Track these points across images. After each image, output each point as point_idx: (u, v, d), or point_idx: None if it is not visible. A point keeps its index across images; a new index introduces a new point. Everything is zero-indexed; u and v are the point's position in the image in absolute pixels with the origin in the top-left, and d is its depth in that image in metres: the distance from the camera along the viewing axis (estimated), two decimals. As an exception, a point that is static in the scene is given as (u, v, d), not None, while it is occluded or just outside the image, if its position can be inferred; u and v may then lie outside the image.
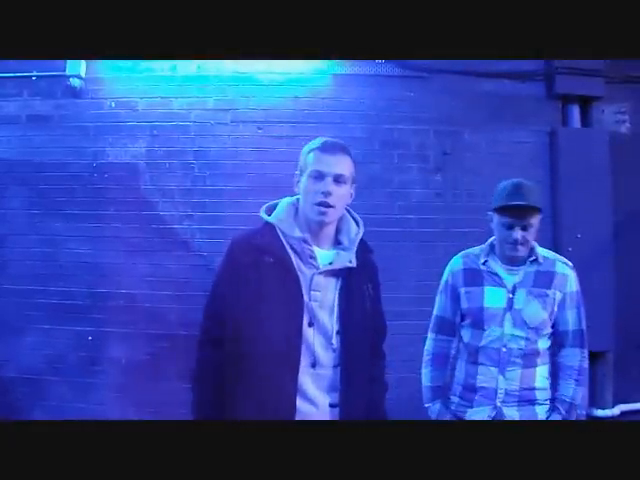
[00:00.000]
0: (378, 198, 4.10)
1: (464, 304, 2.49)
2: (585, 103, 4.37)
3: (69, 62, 4.05)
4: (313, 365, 1.89)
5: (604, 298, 4.03)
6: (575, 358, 2.43)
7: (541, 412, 2.39)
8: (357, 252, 2.00)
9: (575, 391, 2.41)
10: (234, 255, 1.99)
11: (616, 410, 4.05)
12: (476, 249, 2.56)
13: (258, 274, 1.91)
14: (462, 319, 2.53)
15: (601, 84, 4.30)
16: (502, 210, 2.38)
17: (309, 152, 1.99)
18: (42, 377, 3.93)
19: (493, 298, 2.42)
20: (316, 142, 2.02)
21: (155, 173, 4.10)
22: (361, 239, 2.04)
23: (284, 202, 2.06)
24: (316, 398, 1.90)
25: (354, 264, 1.97)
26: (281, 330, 1.87)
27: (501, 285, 2.42)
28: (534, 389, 2.38)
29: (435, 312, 2.62)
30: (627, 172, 4.20)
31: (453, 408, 2.50)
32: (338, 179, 1.94)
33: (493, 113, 4.25)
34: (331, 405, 1.92)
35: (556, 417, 2.38)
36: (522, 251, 2.39)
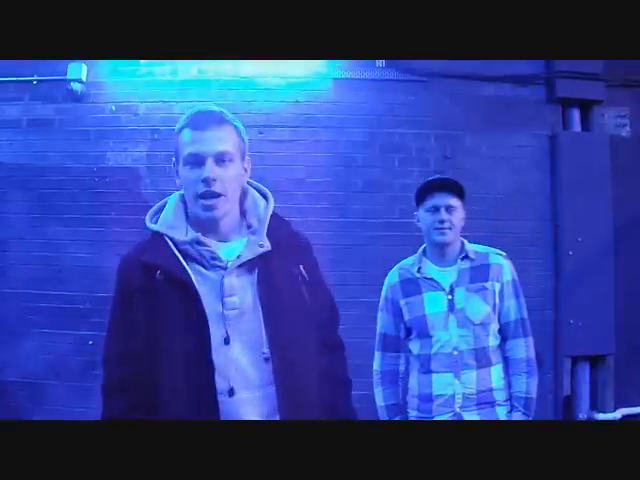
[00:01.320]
0: (379, 202, 4.10)
1: (406, 316, 2.47)
2: (585, 107, 4.37)
3: (70, 66, 4.06)
4: (241, 390, 1.53)
5: (605, 301, 4.04)
6: (520, 349, 2.40)
7: (501, 413, 2.36)
8: (269, 231, 1.63)
9: (528, 384, 2.37)
10: (122, 279, 1.64)
11: (617, 414, 4.04)
12: (410, 259, 2.56)
13: (151, 296, 1.54)
14: (408, 332, 2.49)
15: (601, 88, 4.30)
16: (425, 195, 2.43)
17: (179, 131, 1.63)
18: (43, 381, 3.92)
19: (433, 304, 2.40)
20: (186, 116, 1.64)
21: (156, 177, 4.10)
22: (273, 214, 1.68)
23: (171, 201, 1.70)
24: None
25: (268, 247, 1.59)
26: (186, 358, 1.51)
27: (438, 288, 2.41)
28: (492, 390, 2.35)
29: (378, 330, 2.58)
30: (627, 176, 4.20)
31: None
32: (221, 158, 1.56)
33: (493, 117, 4.25)
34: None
35: (517, 416, 2.34)
36: (450, 235, 2.39)
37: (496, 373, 2.37)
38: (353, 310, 3.58)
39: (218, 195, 1.55)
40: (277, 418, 1.54)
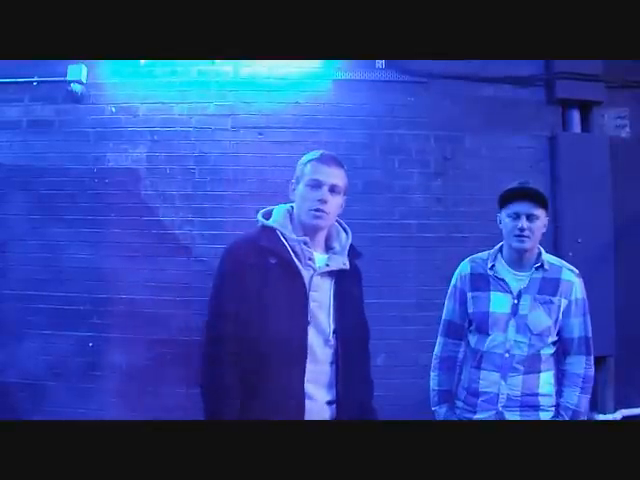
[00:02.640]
0: (379, 203, 4.10)
1: (470, 308, 2.51)
2: (585, 108, 4.37)
3: (70, 67, 4.06)
4: (310, 361, 1.96)
5: (605, 303, 4.03)
6: (580, 366, 2.43)
7: (544, 418, 2.39)
8: (348, 256, 2.13)
9: (580, 399, 2.40)
10: (237, 257, 2.05)
11: (618, 415, 4.04)
12: (484, 254, 2.58)
13: (263, 275, 1.98)
14: (469, 324, 2.54)
15: (601, 89, 4.30)
16: (508, 201, 2.44)
17: (307, 162, 2.13)
18: (42, 382, 3.92)
19: (498, 303, 2.44)
20: (314, 154, 2.16)
21: (156, 178, 4.11)
22: (350, 244, 2.17)
23: (280, 208, 2.16)
24: (314, 395, 1.97)
25: (347, 266, 2.10)
26: (286, 329, 1.95)
27: (507, 291, 2.44)
28: (537, 395, 2.39)
29: (444, 316, 2.64)
30: (627, 177, 4.20)
31: (458, 412, 2.52)
32: (333, 189, 2.07)
33: (493, 118, 4.25)
34: (328, 402, 1.99)
35: None
36: (528, 243, 2.40)
37: (544, 379, 2.41)
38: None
39: (326, 212, 2.05)
40: (332, 391, 2.00)
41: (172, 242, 4.04)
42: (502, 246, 2.55)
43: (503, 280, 2.46)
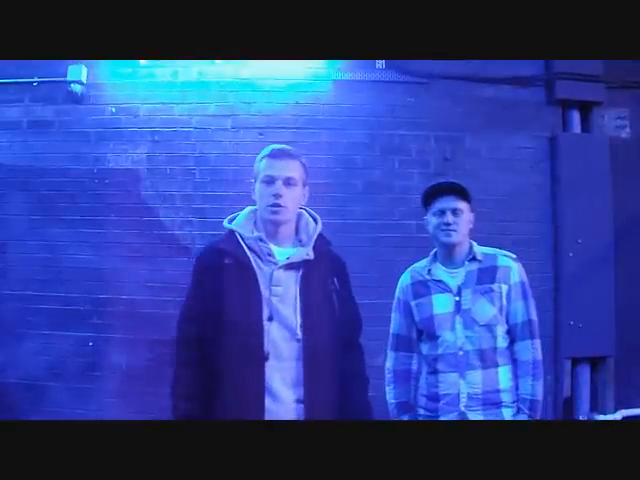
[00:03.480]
0: (379, 203, 4.10)
1: (416, 317, 2.51)
2: (585, 108, 4.37)
3: (70, 68, 4.07)
4: (273, 358, 1.96)
5: (605, 303, 4.04)
6: (527, 351, 2.42)
7: (507, 415, 2.36)
8: (315, 246, 2.12)
9: (533, 387, 2.38)
10: (200, 262, 2.16)
11: (617, 415, 4.04)
12: (422, 262, 2.61)
13: (220, 276, 2.03)
14: (419, 333, 2.53)
15: (601, 89, 4.30)
16: (431, 199, 2.49)
17: (260, 160, 2.15)
18: (42, 383, 3.92)
19: (441, 304, 2.44)
20: (266, 150, 2.16)
21: (156, 179, 4.11)
22: (320, 234, 2.17)
23: (245, 211, 2.22)
24: (280, 393, 1.95)
25: (311, 257, 2.08)
26: (242, 326, 1.97)
27: (446, 290, 2.45)
28: (498, 391, 2.37)
29: (391, 330, 2.63)
30: (627, 177, 4.20)
31: (420, 420, 2.49)
32: (289, 182, 2.08)
33: (493, 118, 4.25)
34: (297, 401, 1.97)
35: (522, 418, 2.35)
36: (455, 237, 2.43)
37: (503, 374, 2.39)
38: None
39: (282, 206, 2.05)
40: (300, 389, 1.96)
41: (172, 242, 4.04)
42: (436, 251, 2.58)
43: (441, 281, 2.47)
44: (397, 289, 2.64)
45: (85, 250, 4.03)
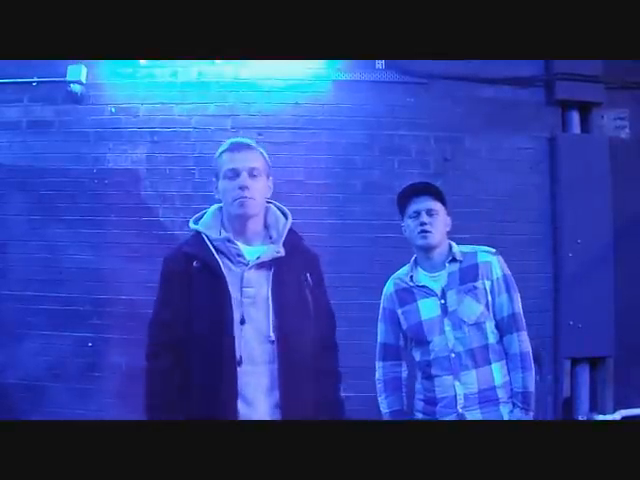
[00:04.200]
0: (378, 204, 4.10)
1: (404, 325, 2.49)
2: (585, 109, 4.37)
3: (69, 68, 4.06)
4: (247, 362, 1.90)
5: (605, 303, 4.04)
6: (514, 344, 2.40)
7: (505, 411, 2.35)
8: (286, 242, 2.05)
9: (524, 379, 2.36)
10: (166, 266, 2.11)
11: (617, 415, 4.04)
12: (404, 269, 2.58)
13: (188, 280, 1.97)
14: (408, 341, 2.52)
15: (601, 90, 4.30)
16: (406, 202, 2.48)
17: (219, 156, 2.08)
18: (42, 383, 3.91)
19: (428, 309, 2.43)
20: (224, 145, 2.10)
21: (156, 179, 4.11)
22: (290, 229, 2.11)
23: (210, 210, 2.15)
24: (254, 399, 1.90)
25: (282, 253, 2.01)
26: (213, 331, 1.90)
27: (431, 294, 2.43)
28: (494, 388, 2.36)
29: (379, 340, 2.60)
30: (627, 178, 4.20)
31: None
32: (252, 172, 2.02)
33: (493, 119, 4.25)
34: (274, 406, 1.91)
35: (517, 411, 2.34)
36: (432, 238, 2.41)
37: (498, 371, 2.38)
38: (352, 312, 3.58)
39: (250, 198, 1.99)
40: (276, 393, 1.90)
41: (172, 243, 4.02)
42: (416, 257, 2.56)
43: (424, 286, 2.45)
44: (382, 299, 2.61)
45: (85, 250, 4.03)
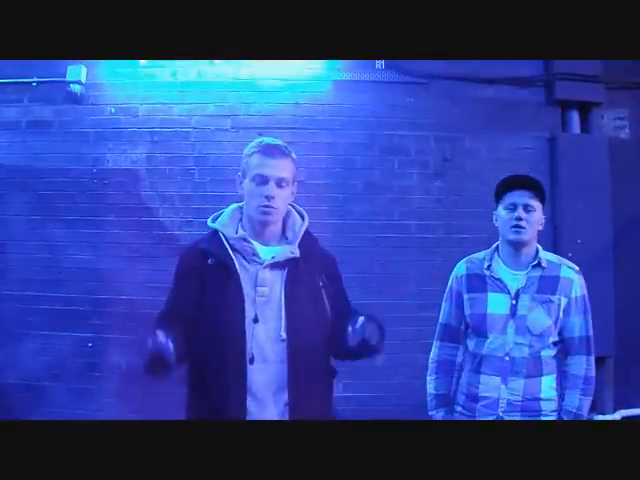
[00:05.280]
0: (378, 204, 4.10)
1: (467, 310, 2.45)
2: (585, 109, 4.38)
3: (69, 68, 4.06)
4: (259, 360, 1.89)
5: (604, 303, 4.03)
6: (581, 366, 2.36)
7: None
8: (301, 243, 2.03)
9: (581, 401, 2.33)
10: (182, 263, 2.08)
11: (617, 415, 4.04)
12: (481, 254, 2.51)
13: (202, 276, 1.96)
14: (466, 327, 2.48)
15: (601, 90, 4.31)
16: (505, 191, 2.40)
17: (251, 154, 2.02)
18: (42, 383, 3.91)
19: (496, 304, 2.36)
20: (257, 144, 2.04)
21: (155, 179, 4.11)
22: (306, 230, 2.09)
23: (229, 208, 2.12)
24: (265, 397, 1.89)
25: (297, 254, 2.00)
26: (226, 329, 1.90)
27: (504, 291, 2.37)
28: (539, 399, 2.31)
29: (440, 320, 2.57)
30: (627, 178, 4.20)
31: (456, 417, 2.45)
32: (280, 183, 1.98)
33: (493, 119, 4.26)
34: (284, 404, 1.90)
35: None
36: (525, 235, 2.34)
37: (546, 383, 2.34)
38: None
39: (274, 208, 1.97)
40: (286, 392, 1.89)
41: (172, 243, 4.03)
42: (498, 245, 2.48)
43: (500, 280, 2.38)
44: (450, 278, 2.56)
45: (85, 250, 4.03)
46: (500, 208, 2.42)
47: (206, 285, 1.95)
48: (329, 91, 4.22)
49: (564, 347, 2.40)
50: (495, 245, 2.50)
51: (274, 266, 1.98)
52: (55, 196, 4.08)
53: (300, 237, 2.05)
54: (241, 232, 2.02)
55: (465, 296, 2.47)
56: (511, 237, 2.36)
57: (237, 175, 2.08)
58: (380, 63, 4.22)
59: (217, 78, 4.20)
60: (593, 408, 4.06)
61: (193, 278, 1.98)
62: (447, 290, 2.58)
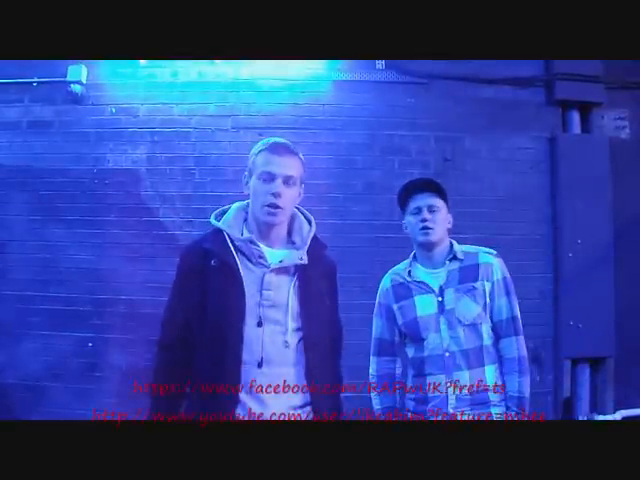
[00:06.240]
0: (378, 204, 4.10)
1: (399, 320, 2.47)
2: (585, 109, 4.38)
3: (70, 68, 4.07)
4: (262, 364, 1.87)
5: (604, 304, 4.04)
6: (512, 348, 2.38)
7: (496, 414, 2.32)
8: (310, 249, 2.02)
9: (520, 384, 2.34)
10: (183, 262, 2.04)
11: (617, 415, 4.04)
12: (402, 264, 2.56)
13: (204, 278, 1.93)
14: (403, 337, 2.49)
15: (601, 90, 4.31)
16: (407, 198, 2.45)
17: (258, 153, 2.00)
18: (42, 383, 3.91)
19: (424, 306, 2.40)
20: (264, 142, 2.02)
21: (156, 179, 4.11)
22: (314, 236, 2.07)
23: (234, 207, 2.08)
24: (268, 401, 1.87)
25: (305, 261, 1.98)
26: (229, 332, 1.87)
27: (428, 291, 2.41)
28: (486, 390, 2.33)
29: (373, 335, 2.59)
30: (627, 178, 4.20)
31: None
32: (288, 181, 1.96)
33: (493, 119, 4.26)
34: (294, 407, 1.90)
35: (511, 416, 2.32)
36: (433, 235, 2.39)
37: (490, 373, 2.35)
38: (352, 312, 3.58)
39: (280, 207, 1.94)
40: (291, 396, 1.89)
41: (172, 243, 4.03)
42: (415, 252, 2.53)
43: (422, 282, 2.42)
44: (378, 293, 2.60)
45: (85, 250, 4.03)
46: (407, 215, 2.48)
47: (208, 286, 1.92)
48: (329, 91, 4.23)
49: (495, 332, 2.41)
50: (412, 253, 2.54)
51: (280, 270, 1.96)
52: (55, 196, 4.08)
53: (308, 243, 2.04)
54: (247, 234, 1.98)
55: (394, 306, 2.49)
56: (421, 239, 2.42)
57: (243, 175, 2.05)
58: (380, 63, 4.23)
59: (217, 78, 4.21)
60: (593, 408, 4.08)
61: (195, 278, 1.94)
62: (376, 305, 2.60)
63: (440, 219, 2.42)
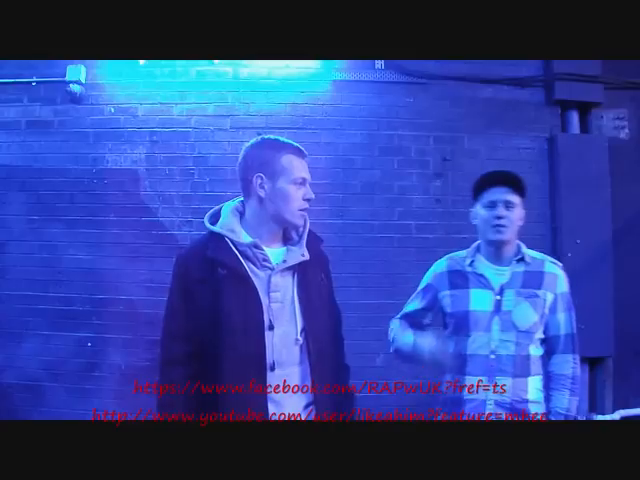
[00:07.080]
0: (378, 204, 4.10)
1: (448, 308, 2.38)
2: (584, 109, 4.38)
3: (69, 68, 4.06)
4: (274, 367, 1.86)
5: (603, 304, 4.04)
6: (567, 365, 2.29)
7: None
8: (307, 244, 2.01)
9: (570, 402, 2.25)
10: (184, 271, 1.97)
11: (616, 415, 4.04)
12: (462, 252, 2.45)
13: (213, 287, 1.88)
14: (445, 326, 2.41)
15: (600, 90, 4.31)
16: (482, 189, 2.34)
17: (282, 156, 1.96)
18: (41, 383, 3.91)
19: (479, 300, 2.30)
20: (287, 145, 2.00)
21: (155, 179, 4.11)
22: (309, 230, 2.05)
23: (227, 209, 2.04)
24: (283, 402, 1.86)
25: (307, 257, 1.98)
26: (242, 338, 1.84)
27: (487, 287, 2.31)
28: (526, 402, 2.24)
29: (404, 309, 2.53)
30: (626, 178, 4.20)
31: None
32: (307, 183, 1.99)
33: (492, 119, 4.26)
34: (305, 406, 1.90)
35: None
36: (506, 234, 2.28)
37: (533, 385, 2.27)
38: (352, 312, 3.58)
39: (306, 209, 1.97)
40: (305, 393, 1.90)
41: (171, 243, 4.03)
42: (479, 244, 2.42)
43: (482, 276, 2.32)
44: (428, 275, 2.50)
45: (85, 250, 4.03)
46: (479, 206, 2.36)
47: (219, 296, 1.87)
48: (329, 91, 4.22)
49: (549, 346, 2.33)
50: (476, 244, 2.44)
51: (284, 270, 1.94)
52: (55, 196, 4.08)
53: (306, 238, 2.02)
54: (249, 238, 1.94)
55: (446, 293, 2.39)
56: (493, 237, 2.31)
57: (256, 176, 1.94)
58: (380, 63, 4.22)
59: (217, 78, 4.20)
60: (592, 408, 4.08)
61: (201, 291, 1.90)
62: (422, 285, 2.51)
63: (515, 217, 2.31)
